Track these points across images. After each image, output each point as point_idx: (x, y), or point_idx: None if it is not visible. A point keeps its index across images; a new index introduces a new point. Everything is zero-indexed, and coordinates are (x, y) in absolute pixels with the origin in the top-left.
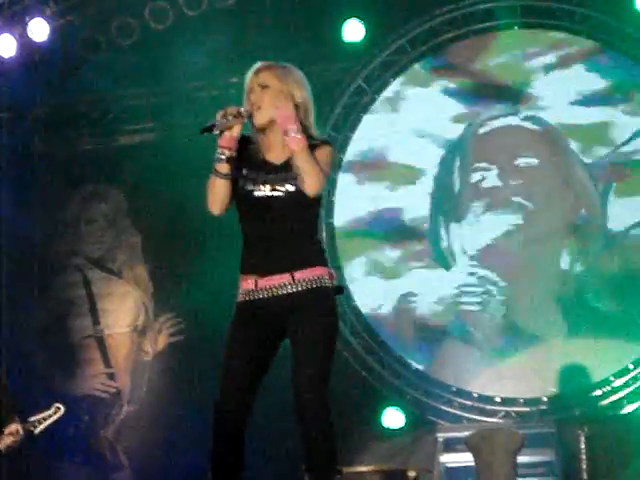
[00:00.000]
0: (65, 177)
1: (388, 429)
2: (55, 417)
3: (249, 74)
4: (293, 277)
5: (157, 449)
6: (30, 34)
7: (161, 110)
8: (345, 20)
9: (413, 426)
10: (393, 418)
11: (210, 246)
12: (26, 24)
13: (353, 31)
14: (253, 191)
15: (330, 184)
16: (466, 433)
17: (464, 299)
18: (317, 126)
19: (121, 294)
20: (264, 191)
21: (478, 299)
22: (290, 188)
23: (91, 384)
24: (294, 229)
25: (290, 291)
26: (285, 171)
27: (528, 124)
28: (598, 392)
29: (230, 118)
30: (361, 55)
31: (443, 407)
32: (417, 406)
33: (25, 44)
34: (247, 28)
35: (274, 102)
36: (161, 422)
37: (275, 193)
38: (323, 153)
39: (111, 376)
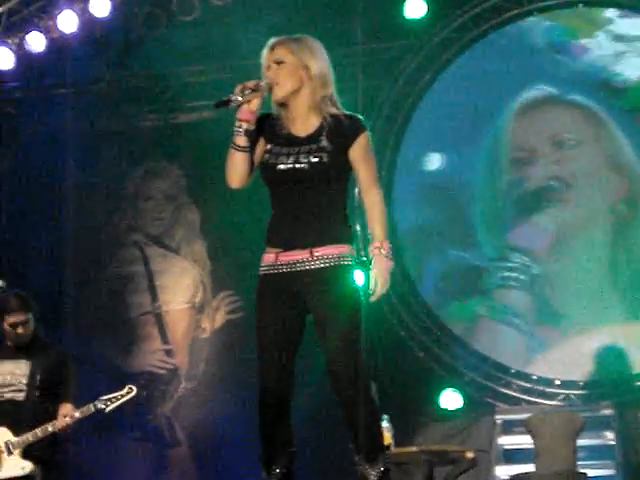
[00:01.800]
0: (125, 153)
1: (446, 410)
2: (127, 398)
3: (264, 50)
4: (312, 253)
5: (214, 426)
6: (91, 10)
7: (221, 87)
8: None
9: (471, 408)
10: (451, 399)
11: (267, 222)
12: (88, 0)
13: (415, 8)
14: (276, 164)
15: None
16: (525, 415)
17: (512, 283)
18: (371, 103)
19: (179, 271)
20: (287, 164)
21: (525, 283)
22: (314, 160)
23: (149, 360)
24: (318, 203)
25: (307, 267)
26: (309, 143)
27: (572, 104)
28: None
29: (247, 92)
30: (423, 33)
31: (502, 389)
32: (475, 388)
33: (86, 20)
34: (307, 5)
35: (290, 77)
36: (218, 399)
37: (298, 165)
38: (366, 146)
39: (169, 353)
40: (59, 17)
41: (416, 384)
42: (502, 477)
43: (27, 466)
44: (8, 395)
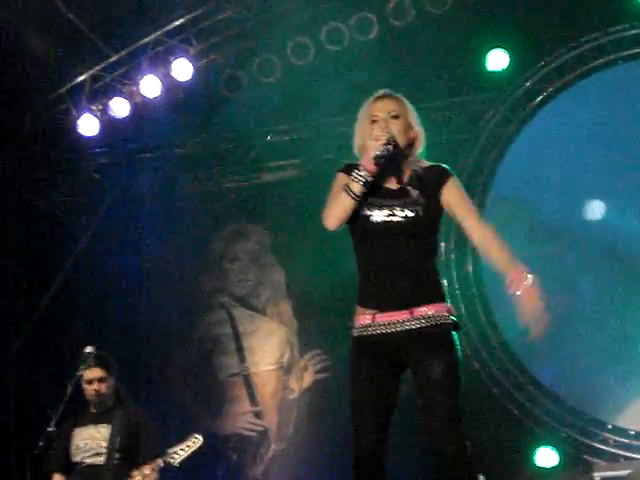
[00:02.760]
0: (209, 215)
1: (542, 468)
2: (194, 447)
3: (372, 101)
4: (412, 313)
5: None
6: (173, 74)
7: (304, 146)
8: (489, 50)
9: (568, 465)
10: (547, 457)
11: (355, 280)
12: (170, 64)
13: (497, 60)
14: (371, 216)
15: None
16: (623, 472)
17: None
18: (455, 158)
19: (266, 331)
20: (382, 216)
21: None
22: (409, 214)
23: (238, 423)
24: (412, 259)
25: (408, 327)
26: (403, 197)
27: None
28: None
29: (391, 148)
30: (505, 84)
31: (599, 445)
32: (571, 444)
33: (169, 84)
34: (388, 61)
35: (404, 133)
36: (309, 460)
37: (393, 218)
38: (458, 187)
39: (258, 414)
40: (142, 82)
41: (510, 442)
42: None
43: None
44: (89, 460)
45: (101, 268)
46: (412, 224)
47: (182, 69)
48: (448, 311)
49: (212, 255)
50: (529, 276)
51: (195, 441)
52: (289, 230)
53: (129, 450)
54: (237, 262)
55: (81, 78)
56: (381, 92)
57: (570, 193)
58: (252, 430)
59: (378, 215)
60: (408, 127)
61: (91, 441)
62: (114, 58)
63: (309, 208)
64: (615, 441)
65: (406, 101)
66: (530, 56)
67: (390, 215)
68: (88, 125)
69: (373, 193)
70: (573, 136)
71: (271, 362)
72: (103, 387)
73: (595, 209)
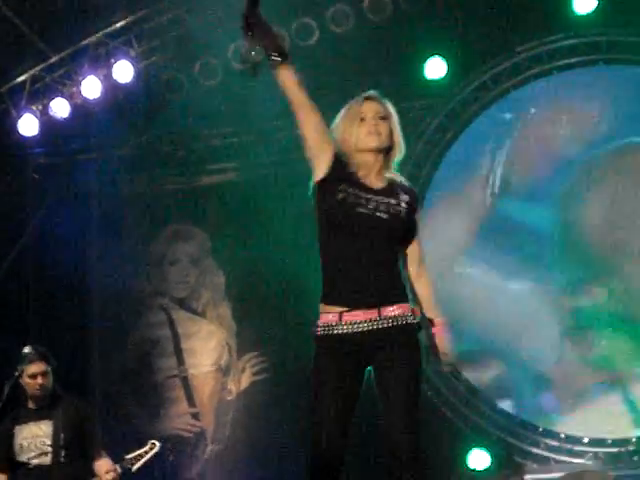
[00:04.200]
0: (150, 216)
1: (474, 470)
2: (151, 453)
3: (361, 100)
4: (380, 313)
5: None
6: (115, 76)
7: (244, 150)
8: (427, 58)
9: (499, 467)
10: (479, 459)
11: (293, 284)
12: (111, 66)
13: (435, 68)
14: (355, 207)
15: None
16: (554, 475)
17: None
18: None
19: (205, 334)
20: (368, 209)
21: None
22: (393, 212)
23: (176, 424)
24: (389, 257)
25: (375, 327)
26: (386, 196)
27: None
28: None
29: (254, 45)
30: (443, 92)
31: (530, 448)
32: (503, 447)
33: (110, 85)
34: (327, 67)
35: (389, 136)
36: (245, 461)
37: (378, 214)
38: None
39: (195, 416)
40: (83, 83)
41: (443, 444)
42: None
43: None
44: (35, 461)
45: (41, 269)
46: (394, 224)
47: (123, 71)
48: (413, 312)
49: (152, 257)
50: (448, 328)
51: (152, 447)
52: (229, 233)
53: (75, 445)
54: (177, 264)
55: (21, 78)
56: (370, 93)
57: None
58: (189, 431)
59: (364, 206)
60: (393, 131)
61: (34, 439)
62: (54, 59)
63: (249, 211)
64: (546, 444)
65: (392, 108)
66: (467, 65)
67: (375, 210)
68: (28, 125)
69: (356, 185)
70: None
71: (209, 364)
72: (46, 381)
73: None
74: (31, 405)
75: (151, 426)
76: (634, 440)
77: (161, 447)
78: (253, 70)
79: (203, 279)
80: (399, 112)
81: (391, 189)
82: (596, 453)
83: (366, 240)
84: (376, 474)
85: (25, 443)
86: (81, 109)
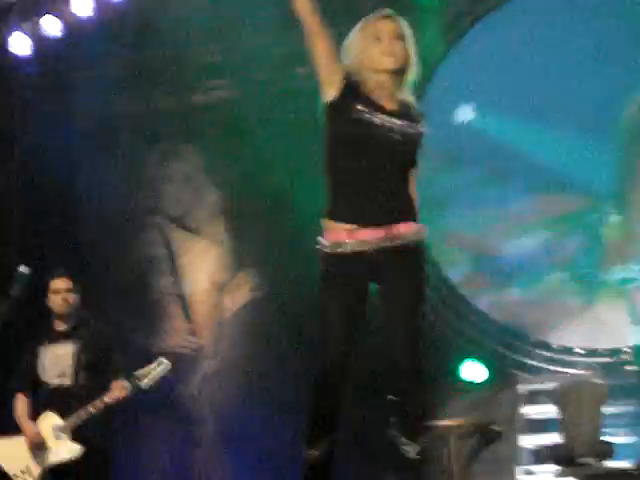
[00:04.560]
0: (142, 136)
1: (468, 382)
2: (159, 369)
3: (376, 18)
4: (389, 231)
5: (239, 403)
6: None
7: (237, 67)
8: None
9: (493, 379)
10: (473, 371)
11: (289, 199)
12: None
13: None
14: (371, 125)
15: None
16: (547, 385)
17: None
18: None
19: (200, 251)
20: (383, 129)
21: None
22: (407, 132)
23: (173, 341)
24: (400, 178)
25: (383, 245)
26: (401, 117)
27: None
28: None
29: None
30: (435, 5)
31: (523, 359)
32: (497, 358)
33: (102, 3)
34: None
35: (406, 55)
36: (242, 377)
37: (392, 134)
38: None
39: (193, 332)
40: (73, 0)
41: (437, 355)
42: (527, 446)
43: (75, 450)
44: (56, 381)
45: (33, 187)
46: (409, 145)
47: None
48: (420, 230)
49: (146, 175)
50: None
51: (160, 363)
52: (222, 150)
53: (95, 368)
54: (171, 183)
55: None
56: (386, 11)
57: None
58: (187, 347)
59: (379, 128)
60: (408, 52)
61: (57, 359)
62: None
63: (242, 129)
64: (539, 355)
65: (407, 26)
66: None
67: (390, 131)
68: (19, 43)
69: (371, 106)
70: (502, 57)
71: (205, 281)
72: (71, 298)
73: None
74: (57, 326)
75: (148, 342)
76: (626, 350)
77: (164, 362)
78: None
79: (197, 197)
80: None
81: (405, 111)
82: (589, 363)
83: (378, 159)
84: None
85: (47, 363)
86: (73, 27)
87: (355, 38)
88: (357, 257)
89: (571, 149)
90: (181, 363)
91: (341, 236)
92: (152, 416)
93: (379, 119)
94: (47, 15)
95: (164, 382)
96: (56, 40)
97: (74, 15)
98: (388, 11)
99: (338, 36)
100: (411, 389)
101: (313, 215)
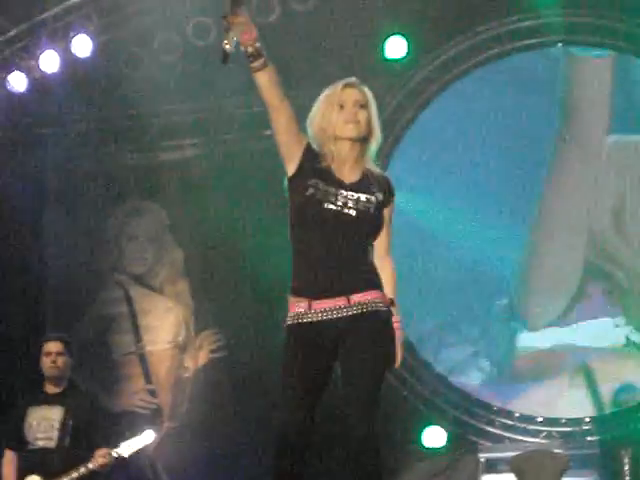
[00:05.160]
0: (107, 192)
1: (429, 448)
2: (145, 442)
3: (340, 87)
4: (349, 300)
5: (198, 466)
6: (73, 50)
7: (203, 126)
8: (387, 37)
9: (454, 445)
10: (434, 437)
11: (252, 262)
12: (70, 40)
13: (395, 48)
14: (323, 202)
15: None
16: (508, 453)
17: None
18: None
19: (163, 310)
20: (336, 206)
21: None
22: (361, 208)
23: (132, 400)
24: (357, 250)
25: (344, 314)
26: (357, 191)
27: None
28: None
29: (231, 33)
30: (403, 72)
31: (485, 427)
32: (458, 425)
33: (68, 60)
34: (287, 44)
35: (368, 125)
36: (202, 439)
37: (346, 210)
38: (392, 212)
39: (152, 392)
40: (41, 57)
41: (399, 421)
42: None
43: None
44: (40, 443)
45: None
46: (362, 220)
47: (82, 45)
48: (383, 297)
49: (109, 232)
50: (400, 325)
51: (147, 436)
52: (187, 209)
53: (80, 433)
54: (135, 240)
55: None
56: (350, 80)
57: (462, 179)
58: (146, 408)
59: (332, 203)
60: (372, 120)
61: (44, 421)
62: (13, 32)
63: (207, 188)
64: (501, 423)
65: (371, 95)
66: (428, 44)
67: (344, 206)
68: None
69: (326, 180)
70: (467, 124)
71: (167, 341)
72: (61, 361)
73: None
74: (46, 388)
75: (108, 402)
76: (587, 420)
77: (116, 423)
78: (225, 58)
79: (161, 255)
80: None
81: (364, 182)
82: (550, 432)
83: (334, 235)
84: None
85: (35, 423)
86: (39, 83)
87: (319, 106)
88: (319, 327)
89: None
90: (139, 423)
91: (301, 308)
92: (107, 477)
93: (333, 195)
94: (14, 71)
95: (122, 442)
96: (22, 95)
97: (41, 71)
98: (353, 79)
99: (303, 101)
100: (364, 457)
101: (277, 278)
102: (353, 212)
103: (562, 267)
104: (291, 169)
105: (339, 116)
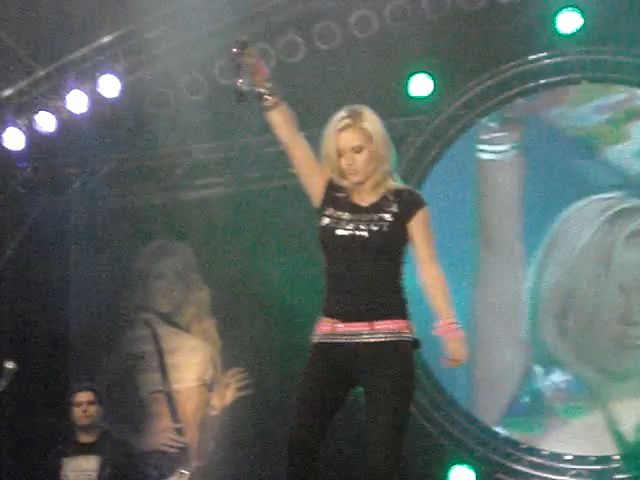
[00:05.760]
0: (134, 232)
1: None
2: None
3: (337, 130)
4: (372, 326)
5: None
6: (100, 90)
7: (230, 165)
8: (412, 74)
9: None
10: (462, 476)
11: (277, 300)
12: (97, 80)
13: (420, 85)
14: (335, 229)
15: None
16: None
17: None
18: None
19: (189, 349)
20: (347, 229)
21: None
22: (374, 228)
23: (159, 439)
24: (375, 273)
25: (367, 340)
26: (371, 212)
27: None
28: None
29: (243, 71)
30: (428, 109)
31: (513, 465)
32: (486, 464)
33: (96, 100)
34: (313, 83)
35: (369, 164)
36: (229, 478)
37: (358, 232)
38: (424, 221)
39: (179, 431)
40: (68, 97)
41: (426, 460)
42: None
43: None
44: None
45: (25, 282)
46: (376, 239)
47: (109, 85)
48: (408, 327)
49: (136, 271)
50: (456, 326)
51: (181, 476)
52: (214, 248)
53: None
54: (162, 279)
55: (7, 92)
56: (342, 122)
57: None
58: (173, 447)
59: (344, 229)
60: (373, 155)
61: (81, 472)
62: (41, 73)
63: (234, 226)
64: (529, 461)
65: (369, 123)
66: (452, 82)
67: (355, 229)
68: (13, 139)
69: (342, 207)
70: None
71: (194, 379)
72: (91, 410)
73: None
74: (80, 438)
75: (135, 441)
76: (617, 458)
77: (144, 462)
78: (240, 97)
79: (188, 294)
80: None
81: (381, 203)
82: (579, 470)
83: (351, 259)
84: None
85: (72, 476)
86: (67, 123)
87: (323, 152)
88: (342, 349)
89: None
90: (167, 462)
91: (327, 328)
92: None
93: (345, 221)
94: (42, 111)
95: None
96: (50, 136)
97: (69, 111)
98: (344, 119)
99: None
100: None
101: (303, 316)
102: (365, 233)
103: None
104: (316, 202)
105: (340, 164)
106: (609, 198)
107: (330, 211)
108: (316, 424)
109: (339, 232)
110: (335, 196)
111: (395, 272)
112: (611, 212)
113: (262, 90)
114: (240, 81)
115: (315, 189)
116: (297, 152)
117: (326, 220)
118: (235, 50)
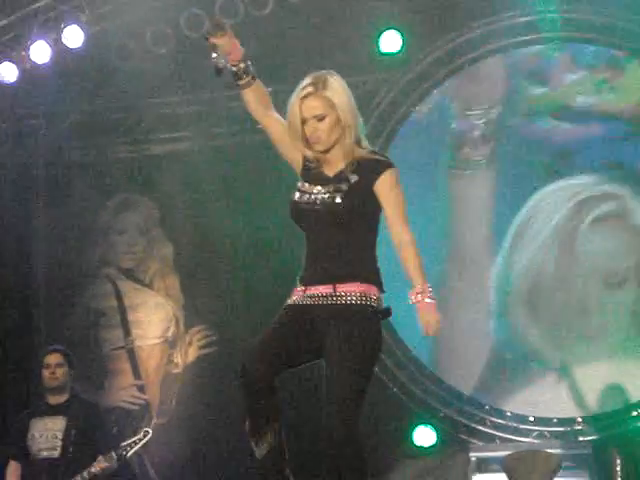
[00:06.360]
0: (97, 185)
1: (419, 447)
2: (145, 440)
3: (299, 98)
4: (335, 288)
5: (186, 462)
6: (64, 41)
7: (195, 119)
8: (382, 31)
9: (445, 445)
10: (424, 436)
11: (242, 257)
12: (61, 31)
13: (390, 42)
14: (299, 203)
15: None
16: (499, 453)
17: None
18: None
19: (152, 305)
20: (309, 203)
21: None
22: (337, 199)
23: (120, 396)
24: (339, 242)
25: (331, 302)
26: (334, 182)
27: None
28: (635, 413)
29: (220, 53)
30: (398, 66)
31: (476, 426)
32: (449, 424)
33: (60, 51)
34: (282, 37)
35: (332, 132)
36: (190, 435)
37: (318, 203)
38: (390, 183)
39: (141, 388)
40: (31, 48)
41: (389, 420)
42: None
43: None
44: (45, 453)
45: None
46: (340, 209)
47: (73, 36)
48: (375, 294)
49: (99, 226)
50: (428, 290)
51: (145, 434)
52: (178, 203)
53: (84, 443)
54: (125, 234)
55: None
56: (304, 90)
57: None
58: (134, 403)
59: (305, 203)
60: (335, 122)
61: (47, 432)
62: (3, 22)
63: (199, 182)
64: (492, 422)
65: (333, 91)
66: (423, 39)
67: (314, 202)
68: None
69: (310, 179)
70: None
71: (156, 336)
72: (60, 373)
73: None
74: (48, 399)
75: (96, 397)
76: (580, 420)
77: (104, 419)
78: (217, 72)
79: (151, 250)
80: (352, 86)
81: (344, 172)
82: (542, 432)
83: (315, 230)
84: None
85: (37, 435)
86: (30, 74)
87: (287, 121)
88: (306, 308)
89: None
90: (128, 419)
91: (298, 293)
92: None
93: (307, 194)
94: (5, 61)
95: (110, 438)
96: (13, 86)
97: (32, 62)
98: (307, 87)
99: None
100: (344, 458)
101: (269, 274)
102: (319, 206)
103: None
104: (298, 171)
105: (304, 133)
106: (579, 184)
107: (301, 184)
108: (271, 362)
109: (302, 206)
110: (309, 167)
111: (362, 240)
112: (580, 197)
113: (236, 69)
114: (214, 55)
115: (293, 161)
116: (271, 128)
117: (296, 195)
118: (210, 31)
